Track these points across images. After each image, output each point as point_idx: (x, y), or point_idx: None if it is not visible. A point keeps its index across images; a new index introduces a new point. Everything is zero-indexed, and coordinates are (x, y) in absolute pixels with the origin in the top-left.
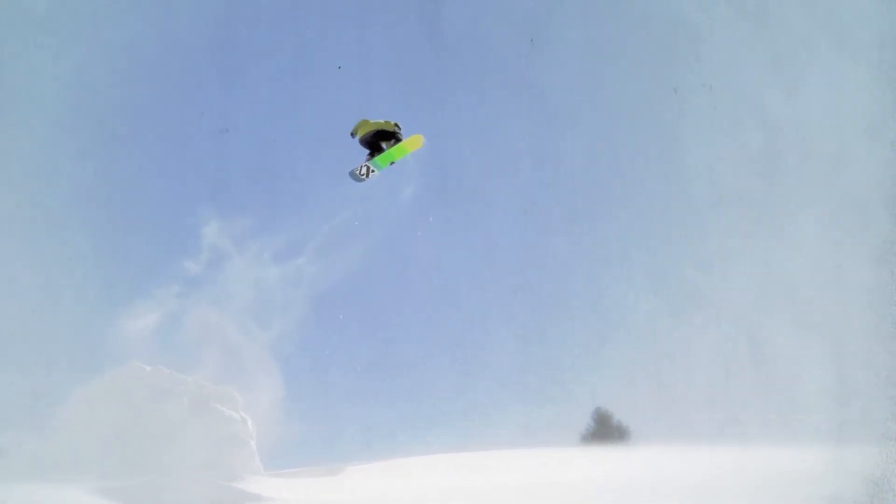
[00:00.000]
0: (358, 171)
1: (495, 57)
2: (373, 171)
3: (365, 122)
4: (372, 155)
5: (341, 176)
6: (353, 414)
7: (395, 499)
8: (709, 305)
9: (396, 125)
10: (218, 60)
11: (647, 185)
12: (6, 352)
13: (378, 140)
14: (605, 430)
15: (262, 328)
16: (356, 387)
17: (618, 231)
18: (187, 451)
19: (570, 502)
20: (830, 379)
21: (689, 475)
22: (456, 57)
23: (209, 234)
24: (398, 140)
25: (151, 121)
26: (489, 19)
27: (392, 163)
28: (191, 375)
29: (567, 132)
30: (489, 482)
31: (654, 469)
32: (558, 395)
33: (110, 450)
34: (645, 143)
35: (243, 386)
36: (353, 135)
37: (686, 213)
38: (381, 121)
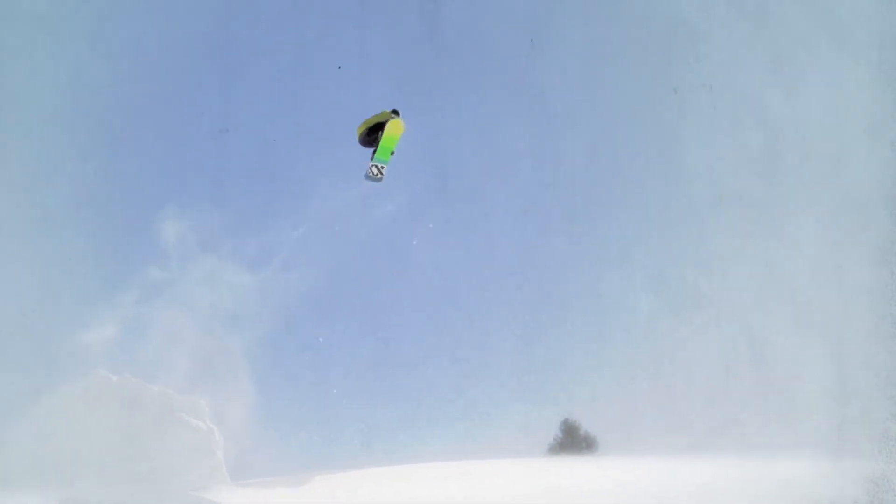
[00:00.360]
0: (371, 174)
1: (495, 57)
2: (382, 167)
3: (363, 123)
4: (375, 153)
5: (340, 176)
6: (330, 422)
7: None
8: (709, 305)
9: (393, 112)
10: (218, 60)
11: (647, 185)
12: None
13: (374, 135)
14: (572, 441)
15: (236, 334)
16: (334, 394)
17: (618, 231)
18: (152, 461)
19: None
20: (830, 379)
21: (680, 484)
22: (456, 57)
23: (193, 236)
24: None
25: (151, 121)
26: (489, 19)
27: (392, 153)
28: (158, 384)
29: (567, 132)
30: (458, 493)
31: (640, 479)
32: (558, 395)
33: (74, 459)
34: (645, 143)
35: (214, 395)
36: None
37: (686, 213)
38: (378, 113)
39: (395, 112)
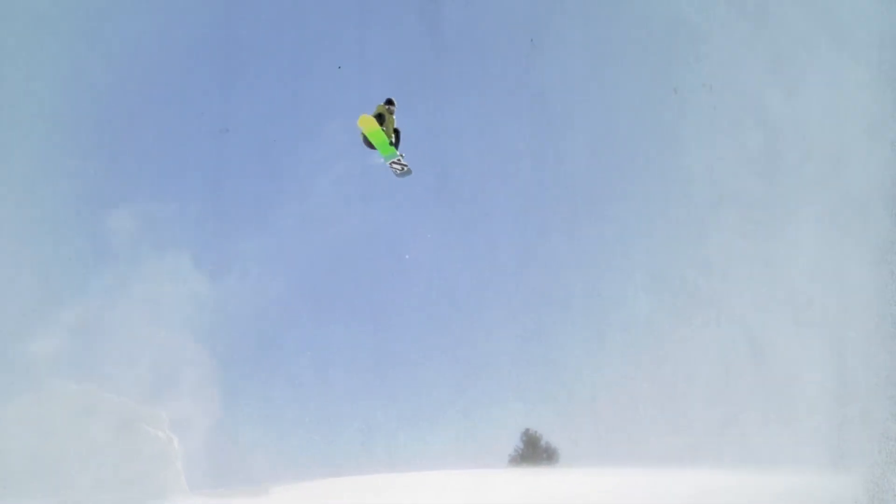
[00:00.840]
0: (397, 172)
1: (495, 57)
2: (398, 160)
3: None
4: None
5: (340, 176)
6: (299, 432)
7: None
8: (709, 305)
9: (388, 102)
10: (218, 60)
11: (647, 185)
12: None
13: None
14: (533, 452)
15: (202, 343)
16: (310, 401)
17: (618, 231)
18: (109, 471)
19: None
20: (830, 379)
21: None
22: (456, 57)
23: (182, 237)
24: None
25: (151, 121)
26: (489, 19)
27: (392, 143)
28: (120, 394)
29: (567, 132)
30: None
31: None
32: (558, 394)
33: (30, 469)
34: (645, 143)
35: (177, 404)
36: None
37: (686, 213)
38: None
39: (390, 101)
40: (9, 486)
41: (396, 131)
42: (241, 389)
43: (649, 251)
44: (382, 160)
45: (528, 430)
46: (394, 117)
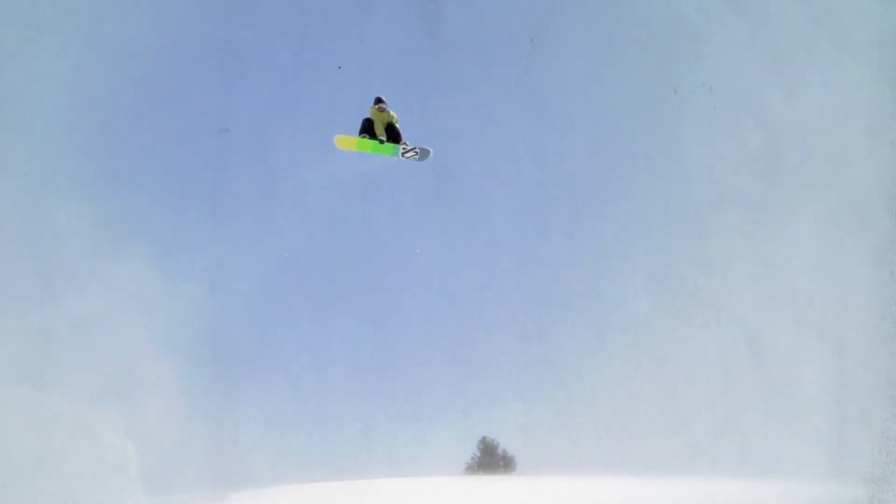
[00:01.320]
0: (417, 157)
1: (495, 57)
2: (406, 148)
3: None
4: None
5: (339, 176)
6: (273, 436)
7: None
8: (709, 305)
9: (377, 100)
10: (218, 60)
11: (647, 185)
12: None
13: (375, 139)
14: (490, 460)
15: (201, 343)
16: (310, 401)
17: (618, 231)
18: (61, 478)
19: None
20: (830, 379)
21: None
22: (456, 57)
23: (173, 238)
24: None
25: (151, 121)
26: (489, 19)
27: (382, 140)
28: (71, 398)
29: (567, 132)
30: None
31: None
32: (558, 394)
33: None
34: (645, 143)
35: (174, 405)
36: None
37: (686, 213)
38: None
39: (379, 99)
40: None
41: (391, 126)
42: (241, 389)
43: (649, 251)
44: (395, 159)
45: (484, 437)
46: (389, 112)
